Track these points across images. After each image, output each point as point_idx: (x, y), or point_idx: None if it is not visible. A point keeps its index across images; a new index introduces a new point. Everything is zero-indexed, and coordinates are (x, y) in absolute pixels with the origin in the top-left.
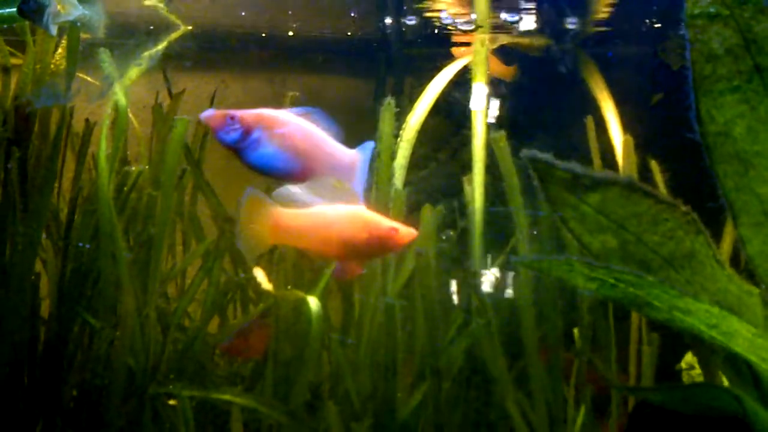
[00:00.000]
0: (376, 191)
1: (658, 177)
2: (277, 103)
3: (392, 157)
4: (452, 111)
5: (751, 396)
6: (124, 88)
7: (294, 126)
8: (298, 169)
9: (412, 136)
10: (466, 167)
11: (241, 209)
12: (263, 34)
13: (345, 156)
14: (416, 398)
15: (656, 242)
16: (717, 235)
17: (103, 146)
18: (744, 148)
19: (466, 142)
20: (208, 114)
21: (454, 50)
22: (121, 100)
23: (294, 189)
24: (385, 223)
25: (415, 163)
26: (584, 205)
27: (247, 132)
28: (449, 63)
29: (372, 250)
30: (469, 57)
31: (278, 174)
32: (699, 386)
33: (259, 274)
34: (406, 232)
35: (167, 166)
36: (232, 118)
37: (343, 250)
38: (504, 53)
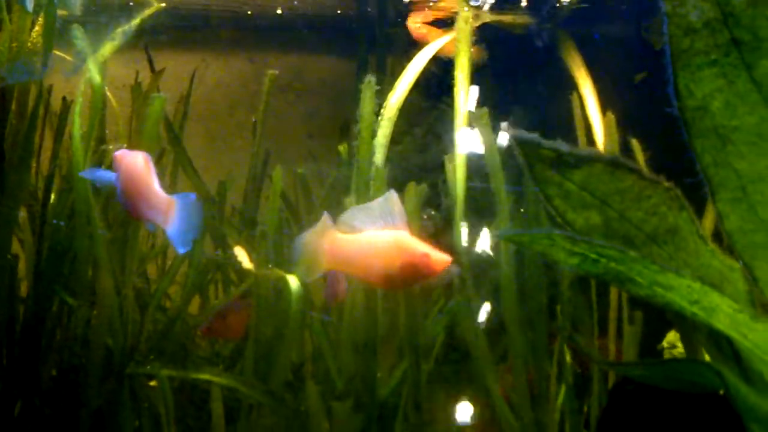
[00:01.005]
0: (356, 171)
1: (640, 156)
2: (258, 82)
3: (372, 135)
4: (429, 85)
5: (732, 372)
6: (98, 64)
7: (123, 167)
8: (127, 207)
9: (393, 115)
10: (442, 141)
11: (309, 232)
12: (248, 12)
13: (161, 202)
14: (396, 377)
15: (640, 219)
16: (699, 212)
17: (77, 123)
18: (722, 122)
19: (443, 116)
20: None
21: (410, 24)
22: (96, 77)
23: (358, 216)
24: (419, 249)
25: (391, 138)
26: (568, 183)
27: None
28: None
29: (407, 276)
30: (450, 35)
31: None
32: (680, 362)
33: (240, 254)
34: (439, 258)
35: (145, 144)
36: None
37: (382, 276)
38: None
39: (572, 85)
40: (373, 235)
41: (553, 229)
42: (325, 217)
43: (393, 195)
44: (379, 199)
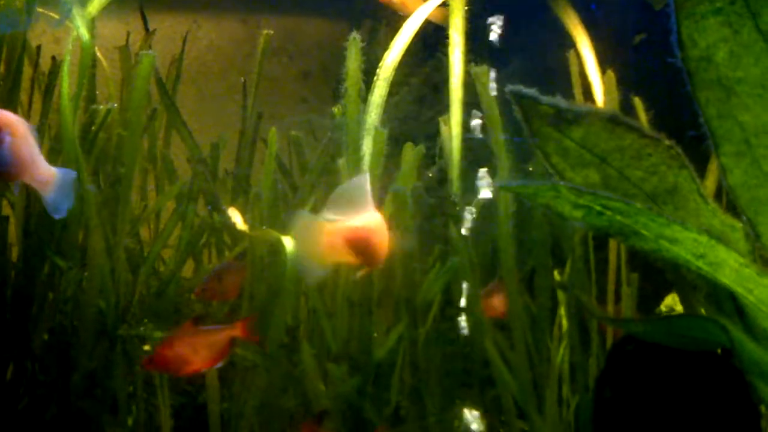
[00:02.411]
0: (346, 131)
1: (642, 114)
2: (251, 44)
3: (359, 93)
4: (426, 35)
5: (736, 328)
6: (86, 21)
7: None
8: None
9: (389, 75)
10: (439, 91)
11: (296, 235)
12: None
13: (44, 172)
14: (392, 338)
15: (639, 177)
16: (701, 172)
17: (66, 82)
18: (726, 74)
19: (440, 66)
20: None
21: None
22: (84, 34)
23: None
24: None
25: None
26: (567, 140)
27: None
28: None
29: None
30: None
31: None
32: (685, 317)
33: (235, 215)
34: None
35: (134, 103)
36: None
37: (373, 258)
38: None
39: (570, 43)
40: (358, 221)
41: (557, 180)
42: (302, 214)
43: (363, 180)
44: (349, 185)
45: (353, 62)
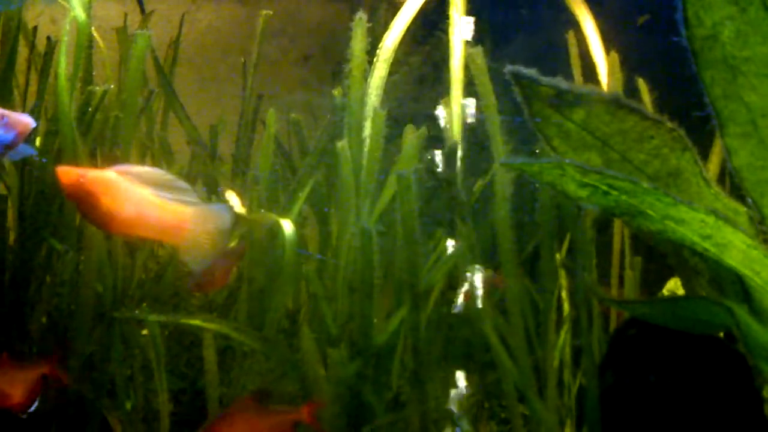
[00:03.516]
0: (348, 112)
1: (646, 96)
2: (250, 25)
3: (364, 74)
4: (425, 12)
5: (742, 310)
6: (82, 2)
7: None
8: None
9: (389, 56)
10: (439, 70)
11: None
12: None
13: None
14: (394, 323)
15: (642, 160)
16: (704, 156)
17: (62, 63)
18: (732, 53)
19: (440, 44)
20: None
21: None
22: (81, 15)
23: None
24: None
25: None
26: (568, 122)
27: None
28: None
29: None
30: None
31: None
32: (690, 299)
33: (232, 198)
34: None
35: (129, 84)
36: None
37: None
38: None
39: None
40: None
41: (562, 159)
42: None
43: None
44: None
45: (358, 43)
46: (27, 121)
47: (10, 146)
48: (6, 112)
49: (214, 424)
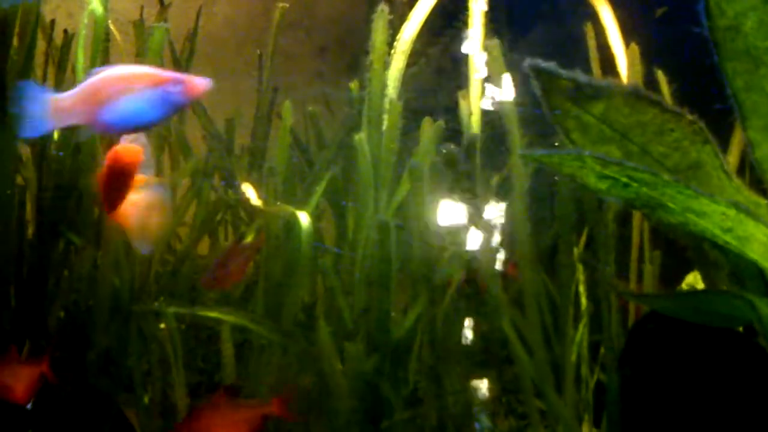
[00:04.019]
0: (368, 103)
1: (665, 88)
2: (267, 18)
3: (385, 67)
4: (443, 2)
5: (763, 303)
6: None
7: None
8: None
9: (407, 48)
10: (458, 62)
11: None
12: None
13: None
14: (410, 318)
15: (661, 153)
16: (724, 148)
17: (80, 56)
18: (755, 43)
19: (458, 35)
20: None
21: None
22: (98, 8)
23: None
24: None
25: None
26: (587, 115)
27: None
28: None
29: None
30: None
31: None
32: (711, 292)
33: (248, 190)
34: None
35: None
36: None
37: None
38: None
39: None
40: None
41: (582, 151)
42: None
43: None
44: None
45: (380, 35)
46: (202, 86)
47: (181, 108)
48: (184, 77)
49: (186, 421)
